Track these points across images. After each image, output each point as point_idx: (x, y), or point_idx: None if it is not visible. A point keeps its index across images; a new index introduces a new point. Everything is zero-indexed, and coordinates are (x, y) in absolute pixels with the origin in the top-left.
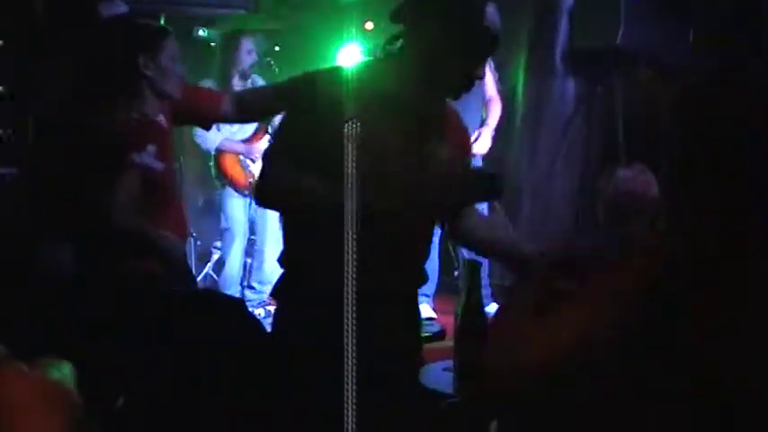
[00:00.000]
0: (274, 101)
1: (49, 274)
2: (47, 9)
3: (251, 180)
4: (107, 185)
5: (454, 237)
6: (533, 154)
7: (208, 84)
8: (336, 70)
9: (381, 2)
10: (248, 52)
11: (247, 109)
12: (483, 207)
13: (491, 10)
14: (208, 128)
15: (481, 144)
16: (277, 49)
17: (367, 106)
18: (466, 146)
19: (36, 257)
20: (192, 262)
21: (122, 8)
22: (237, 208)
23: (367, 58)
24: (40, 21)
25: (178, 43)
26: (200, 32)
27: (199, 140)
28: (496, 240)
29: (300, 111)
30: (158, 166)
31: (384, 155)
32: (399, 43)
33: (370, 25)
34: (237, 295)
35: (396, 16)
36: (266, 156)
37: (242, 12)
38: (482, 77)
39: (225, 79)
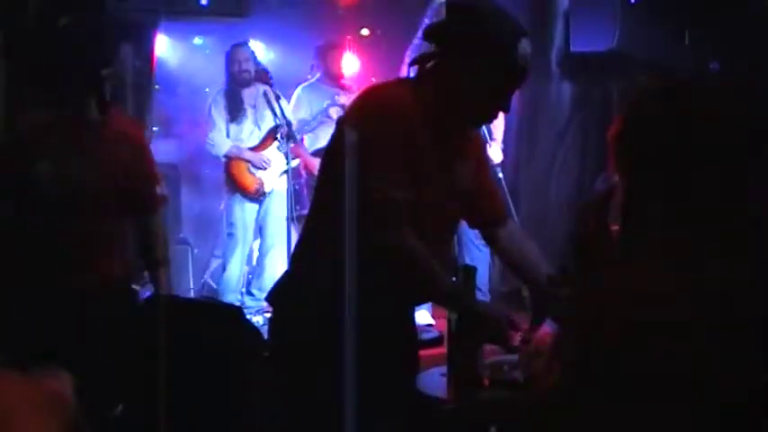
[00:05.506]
0: None
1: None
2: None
3: (257, 186)
4: None
5: (491, 241)
6: (530, 158)
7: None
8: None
9: (377, 9)
10: (245, 60)
11: None
12: None
13: (524, 44)
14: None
15: (493, 157)
16: (272, 56)
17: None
18: (485, 157)
19: (31, 264)
20: (190, 270)
21: None
22: (249, 212)
23: (396, 80)
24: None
25: (177, 51)
26: (196, 41)
27: (209, 146)
28: (526, 260)
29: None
30: None
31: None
32: (431, 63)
33: (365, 32)
34: (236, 303)
35: (432, 36)
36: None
37: (236, 19)
38: (508, 111)
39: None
